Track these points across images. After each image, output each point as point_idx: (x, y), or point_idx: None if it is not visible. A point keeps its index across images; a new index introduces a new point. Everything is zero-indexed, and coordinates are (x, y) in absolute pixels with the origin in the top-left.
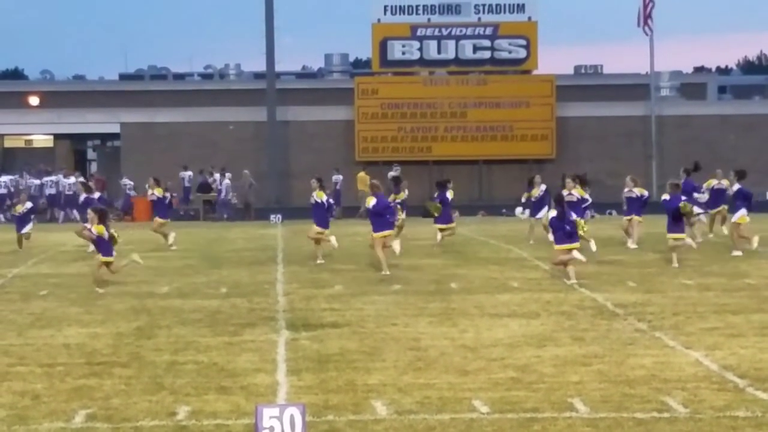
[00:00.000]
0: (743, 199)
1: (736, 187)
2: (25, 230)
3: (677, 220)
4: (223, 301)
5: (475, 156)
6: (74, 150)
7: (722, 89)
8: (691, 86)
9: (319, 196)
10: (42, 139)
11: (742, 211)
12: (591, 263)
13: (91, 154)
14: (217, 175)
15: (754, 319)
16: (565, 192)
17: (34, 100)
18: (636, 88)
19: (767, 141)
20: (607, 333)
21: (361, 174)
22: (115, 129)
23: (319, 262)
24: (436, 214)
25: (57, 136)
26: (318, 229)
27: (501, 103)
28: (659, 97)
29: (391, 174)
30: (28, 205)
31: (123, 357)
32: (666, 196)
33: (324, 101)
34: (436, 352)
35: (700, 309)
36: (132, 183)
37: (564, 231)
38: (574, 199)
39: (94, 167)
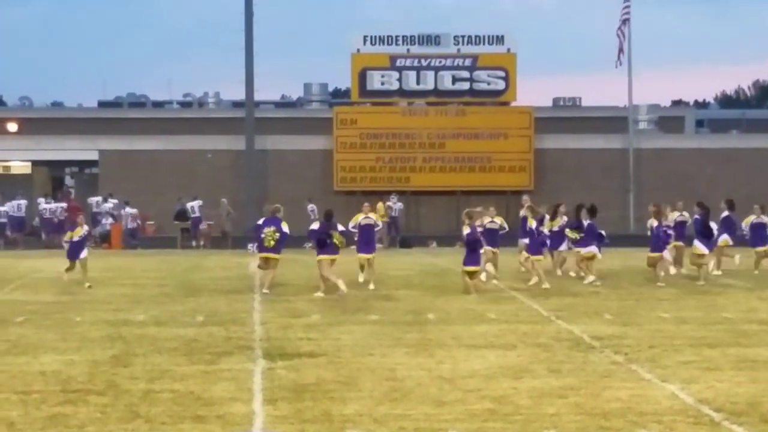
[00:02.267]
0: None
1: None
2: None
3: (475, 251)
4: (200, 329)
5: (453, 187)
6: (52, 177)
7: (700, 123)
8: (669, 119)
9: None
10: (20, 166)
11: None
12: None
13: (69, 181)
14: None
15: (731, 353)
16: (487, 219)
17: (12, 127)
18: (614, 121)
19: (744, 174)
20: (583, 365)
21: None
22: (94, 156)
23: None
24: (577, 237)
25: (35, 163)
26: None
27: (479, 134)
28: (637, 130)
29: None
30: (86, 229)
31: (99, 385)
32: (467, 229)
33: (303, 130)
34: (412, 383)
35: (677, 342)
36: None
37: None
38: (496, 226)
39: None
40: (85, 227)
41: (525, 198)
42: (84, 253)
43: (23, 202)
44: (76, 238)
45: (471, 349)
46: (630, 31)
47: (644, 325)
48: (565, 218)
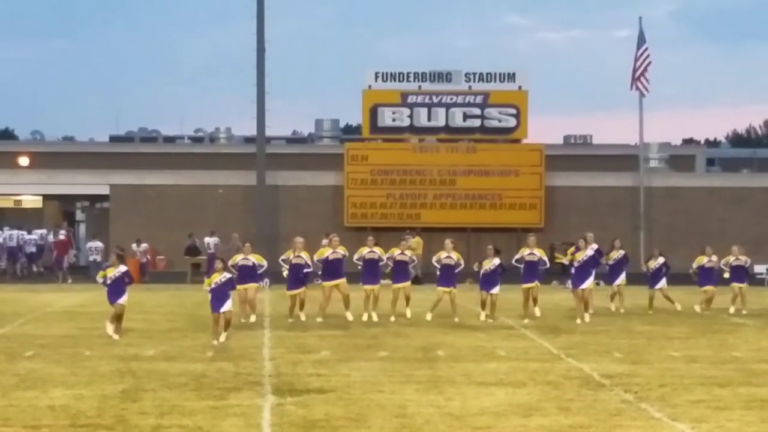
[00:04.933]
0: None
1: (590, 252)
2: None
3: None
4: (209, 364)
5: (463, 223)
6: (63, 211)
7: (711, 161)
8: (680, 158)
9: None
10: (31, 200)
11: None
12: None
13: (79, 215)
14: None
15: (741, 392)
16: (397, 251)
17: (23, 161)
18: (625, 159)
19: (755, 214)
20: (593, 403)
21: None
22: (105, 190)
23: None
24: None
25: (46, 197)
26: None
27: (490, 171)
28: (648, 169)
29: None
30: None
31: (108, 419)
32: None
33: (314, 166)
34: (421, 420)
35: (687, 381)
36: (101, 245)
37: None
38: (406, 258)
39: (82, 228)
40: (225, 274)
41: (590, 236)
42: (227, 305)
43: (14, 233)
44: (213, 285)
45: (481, 387)
46: (644, 69)
47: (654, 364)
48: (621, 252)
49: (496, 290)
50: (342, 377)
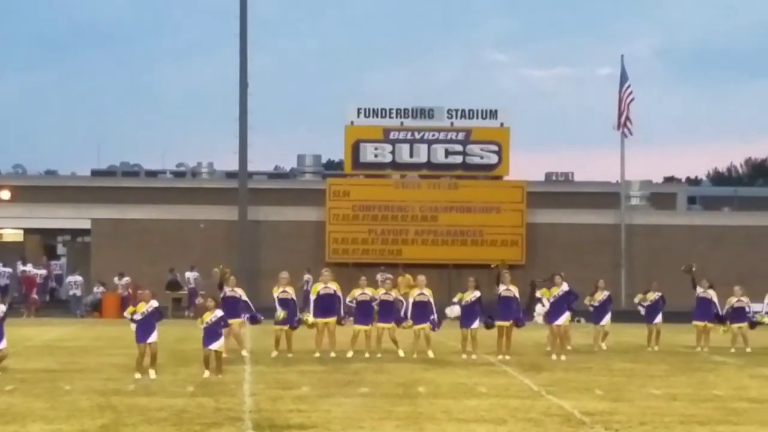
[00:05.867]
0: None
1: (565, 287)
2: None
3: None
4: (190, 400)
5: (444, 260)
6: (44, 245)
7: (692, 200)
8: (661, 196)
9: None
10: (12, 234)
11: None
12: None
13: (61, 250)
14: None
15: (721, 431)
16: (382, 291)
17: (5, 194)
18: (606, 197)
19: (736, 252)
20: None
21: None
22: (86, 225)
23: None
24: None
25: (27, 231)
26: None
27: (472, 207)
28: (629, 206)
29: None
30: (218, 313)
31: None
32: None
33: (296, 202)
34: None
35: (667, 419)
36: (81, 279)
37: None
38: (391, 299)
39: (64, 262)
40: (217, 312)
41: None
42: (216, 344)
43: None
44: (205, 324)
45: (461, 423)
46: (627, 108)
47: (635, 401)
48: (606, 293)
49: (476, 325)
50: (323, 413)
